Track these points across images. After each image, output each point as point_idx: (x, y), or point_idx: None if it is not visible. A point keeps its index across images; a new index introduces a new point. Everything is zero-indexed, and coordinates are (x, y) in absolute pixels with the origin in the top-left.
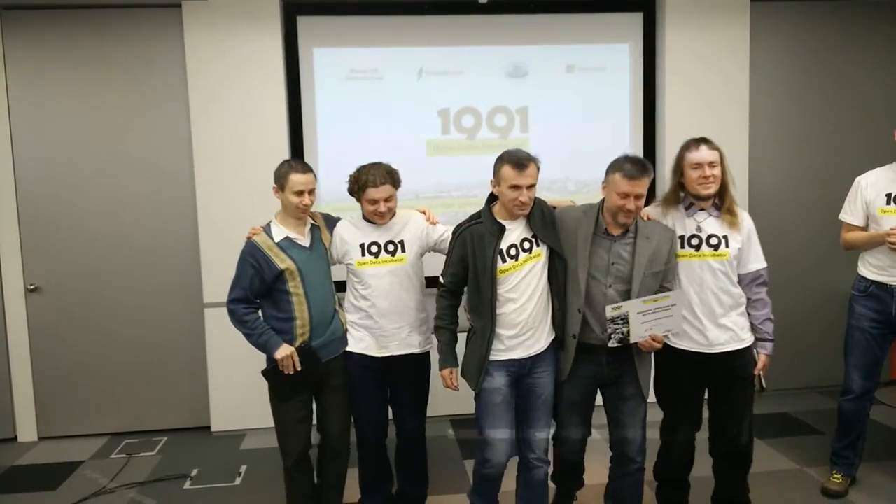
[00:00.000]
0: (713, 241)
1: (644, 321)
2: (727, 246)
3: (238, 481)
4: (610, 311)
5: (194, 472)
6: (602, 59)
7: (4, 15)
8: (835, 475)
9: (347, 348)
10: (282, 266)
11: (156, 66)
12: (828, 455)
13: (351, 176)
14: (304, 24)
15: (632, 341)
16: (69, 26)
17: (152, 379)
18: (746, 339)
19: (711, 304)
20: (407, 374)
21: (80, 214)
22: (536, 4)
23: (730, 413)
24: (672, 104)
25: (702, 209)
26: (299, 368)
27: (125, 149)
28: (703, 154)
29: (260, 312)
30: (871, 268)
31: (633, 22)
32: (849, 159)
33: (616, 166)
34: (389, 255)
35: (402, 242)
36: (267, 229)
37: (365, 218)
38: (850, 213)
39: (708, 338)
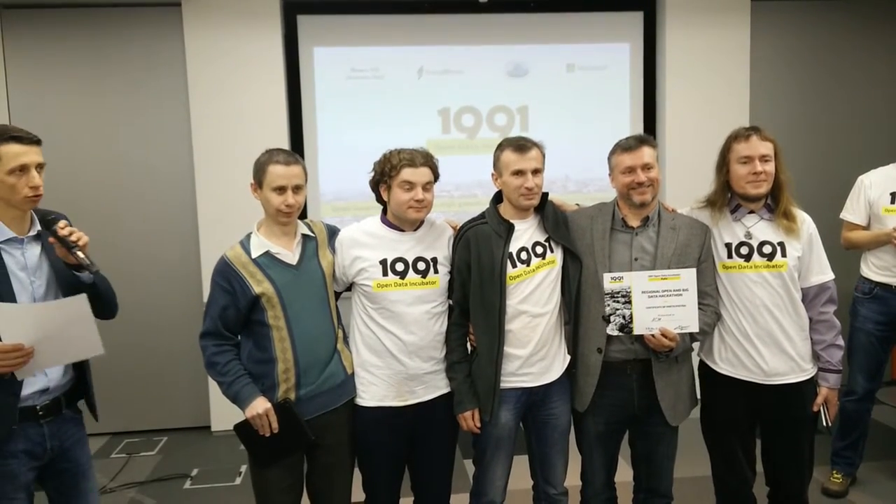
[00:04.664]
0: (766, 249)
1: (651, 306)
2: (784, 255)
3: (238, 481)
4: (608, 282)
5: (194, 472)
6: (602, 59)
7: (4, 14)
8: (835, 475)
9: (358, 401)
10: (257, 290)
11: (156, 66)
12: (828, 455)
13: (377, 162)
14: (305, 23)
15: (636, 332)
16: (69, 26)
17: (152, 379)
18: (808, 370)
19: (769, 327)
20: (436, 422)
21: (79, 214)
22: (536, 4)
23: (782, 461)
24: (672, 104)
25: (751, 212)
26: (276, 430)
27: (125, 149)
28: (753, 146)
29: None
30: (874, 269)
31: (633, 22)
32: (849, 159)
33: (613, 148)
34: (419, 277)
35: (434, 260)
36: (245, 242)
37: (385, 222)
38: (853, 212)
39: (763, 368)
